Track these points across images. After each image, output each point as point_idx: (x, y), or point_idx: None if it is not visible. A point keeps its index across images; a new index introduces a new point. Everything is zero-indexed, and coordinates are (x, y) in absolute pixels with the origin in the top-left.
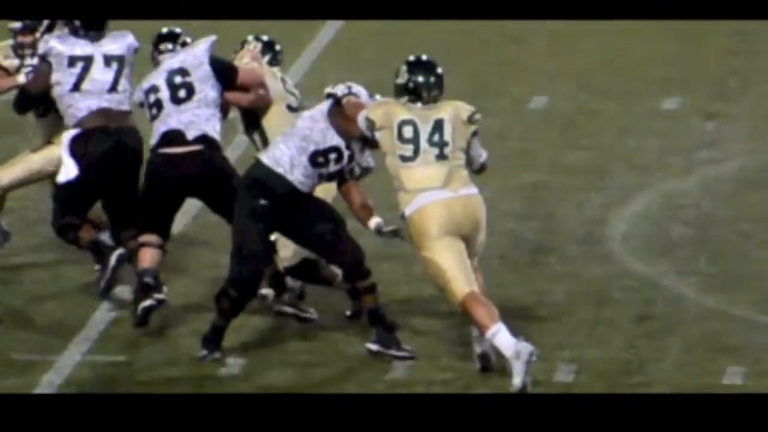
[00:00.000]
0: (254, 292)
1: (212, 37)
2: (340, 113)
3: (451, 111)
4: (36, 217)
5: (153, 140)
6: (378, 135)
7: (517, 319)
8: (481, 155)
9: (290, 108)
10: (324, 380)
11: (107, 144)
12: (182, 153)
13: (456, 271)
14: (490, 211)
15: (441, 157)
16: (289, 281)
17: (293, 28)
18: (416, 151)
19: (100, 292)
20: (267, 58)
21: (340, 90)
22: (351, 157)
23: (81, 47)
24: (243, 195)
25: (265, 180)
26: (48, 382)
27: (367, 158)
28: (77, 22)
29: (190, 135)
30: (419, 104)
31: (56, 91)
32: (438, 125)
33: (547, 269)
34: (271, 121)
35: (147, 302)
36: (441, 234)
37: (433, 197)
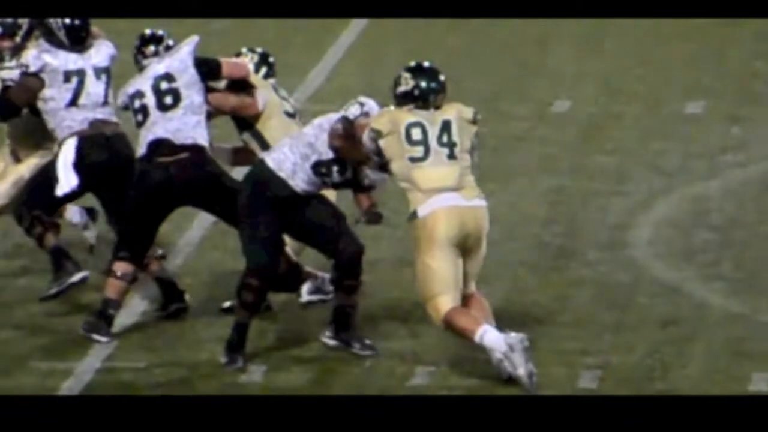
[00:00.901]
0: (274, 277)
1: (195, 38)
2: (344, 135)
3: (455, 112)
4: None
5: (141, 149)
6: (384, 142)
7: (540, 324)
8: (474, 157)
9: (288, 114)
10: (345, 387)
11: (105, 152)
12: (171, 161)
13: (450, 286)
14: (511, 216)
15: (451, 157)
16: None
17: (315, 30)
18: (427, 152)
19: (45, 297)
20: (263, 71)
21: (352, 112)
22: (355, 171)
23: (73, 61)
24: (247, 190)
25: (267, 181)
26: (68, 389)
27: (381, 173)
28: (64, 38)
29: (178, 142)
30: (423, 110)
31: (49, 106)
32: (446, 126)
33: (569, 274)
34: (273, 131)
35: (103, 338)
36: (448, 243)
37: (448, 202)
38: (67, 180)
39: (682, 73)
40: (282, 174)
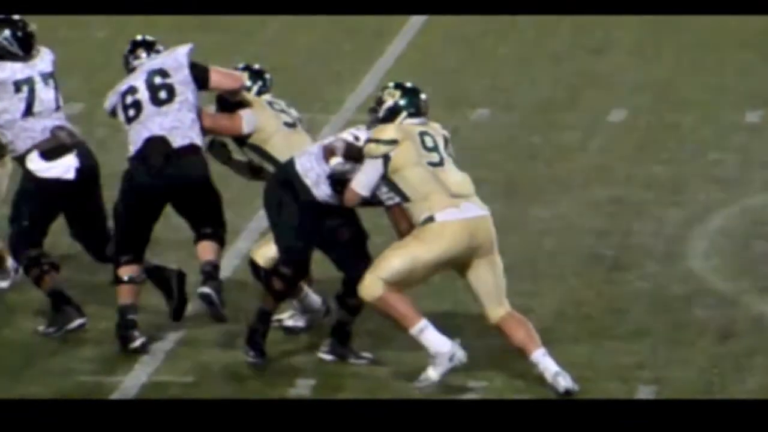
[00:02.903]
0: (305, 267)
1: (190, 45)
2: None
3: (444, 131)
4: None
5: (133, 146)
6: (398, 151)
7: (594, 338)
8: None
9: (288, 125)
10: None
11: (72, 162)
12: (169, 162)
13: (408, 286)
14: (566, 227)
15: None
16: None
17: (365, 39)
18: (441, 159)
19: (45, 333)
20: (256, 87)
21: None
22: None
23: (20, 71)
24: (276, 184)
25: (293, 182)
26: None
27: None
28: (18, 50)
29: (176, 143)
30: (417, 119)
31: (4, 119)
32: (446, 141)
33: (625, 287)
34: (277, 147)
35: (137, 343)
36: (450, 256)
37: (467, 213)
38: (66, 167)
39: (740, 81)
40: (307, 181)
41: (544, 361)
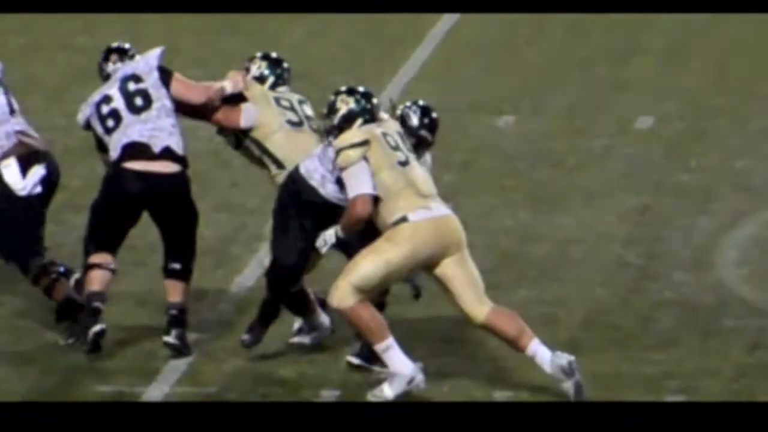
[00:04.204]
0: (297, 278)
1: (162, 47)
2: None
3: (398, 127)
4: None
5: (114, 152)
6: (370, 153)
7: (621, 348)
8: None
9: (291, 123)
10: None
11: (45, 169)
12: (153, 171)
13: (377, 291)
14: (593, 236)
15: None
16: None
17: (388, 46)
18: (407, 158)
19: (68, 345)
20: (273, 77)
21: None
22: None
23: None
24: (283, 192)
25: (299, 187)
26: None
27: None
28: None
29: (156, 149)
30: (373, 123)
31: None
32: (402, 137)
33: (652, 296)
34: (275, 142)
35: (97, 327)
36: (422, 257)
37: (435, 212)
38: (32, 181)
39: None
40: (313, 182)
41: (541, 351)
